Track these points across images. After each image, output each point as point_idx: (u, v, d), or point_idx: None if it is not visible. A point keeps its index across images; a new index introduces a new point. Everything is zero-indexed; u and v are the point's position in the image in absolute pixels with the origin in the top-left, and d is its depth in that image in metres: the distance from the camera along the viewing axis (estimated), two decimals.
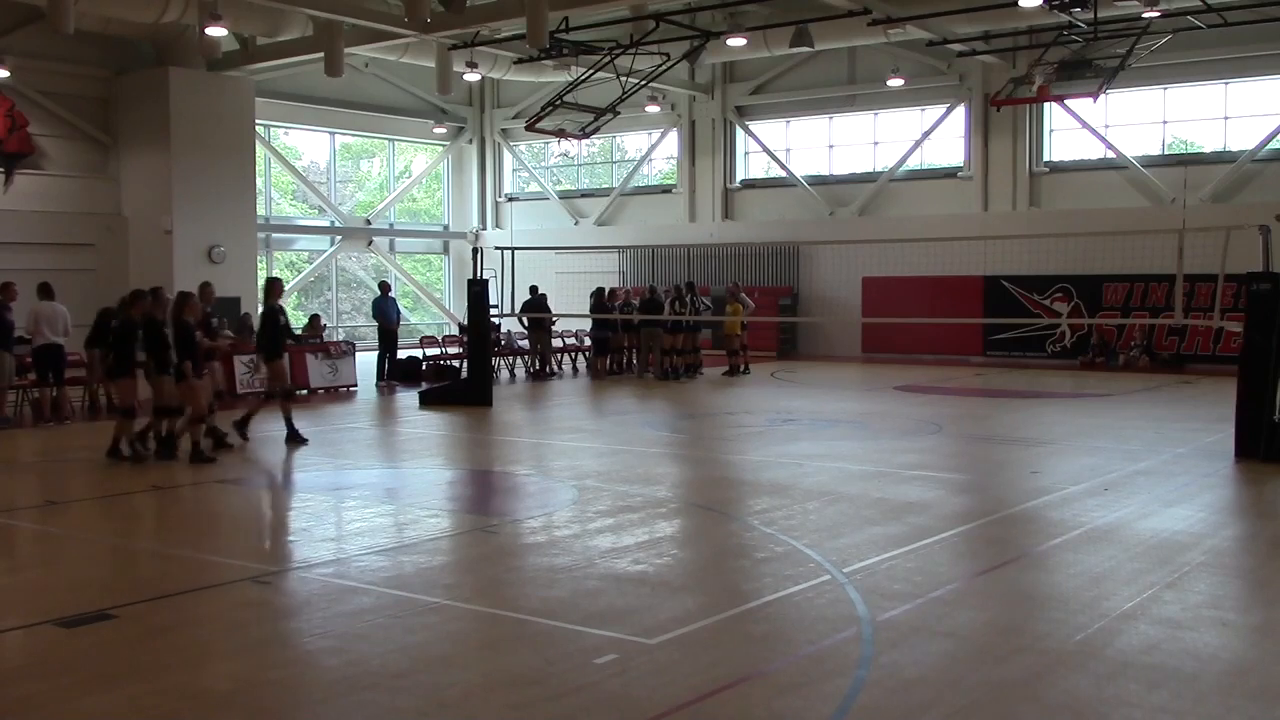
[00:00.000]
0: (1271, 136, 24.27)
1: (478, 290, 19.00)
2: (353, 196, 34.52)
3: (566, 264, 28.56)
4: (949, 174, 28.09)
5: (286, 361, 14.59)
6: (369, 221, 33.58)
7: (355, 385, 21.01)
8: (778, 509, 9.92)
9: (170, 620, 6.91)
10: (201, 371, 13.15)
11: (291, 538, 9.66)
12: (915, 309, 25.76)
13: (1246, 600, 7.48)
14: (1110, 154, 26.10)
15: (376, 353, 22.99)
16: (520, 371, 24.42)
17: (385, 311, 23.11)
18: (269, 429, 14.45)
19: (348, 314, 33.96)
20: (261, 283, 15.33)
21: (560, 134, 26.54)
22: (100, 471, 12.57)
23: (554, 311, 24.16)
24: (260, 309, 14.71)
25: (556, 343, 25.31)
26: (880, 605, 6.93)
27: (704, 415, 17.36)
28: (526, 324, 23.77)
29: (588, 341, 25.40)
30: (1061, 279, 25.67)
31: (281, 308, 14.32)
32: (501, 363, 23.68)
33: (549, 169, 35.78)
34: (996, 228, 26.33)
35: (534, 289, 23.91)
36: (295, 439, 13.94)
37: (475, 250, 20.12)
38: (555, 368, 23.99)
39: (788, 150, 30.60)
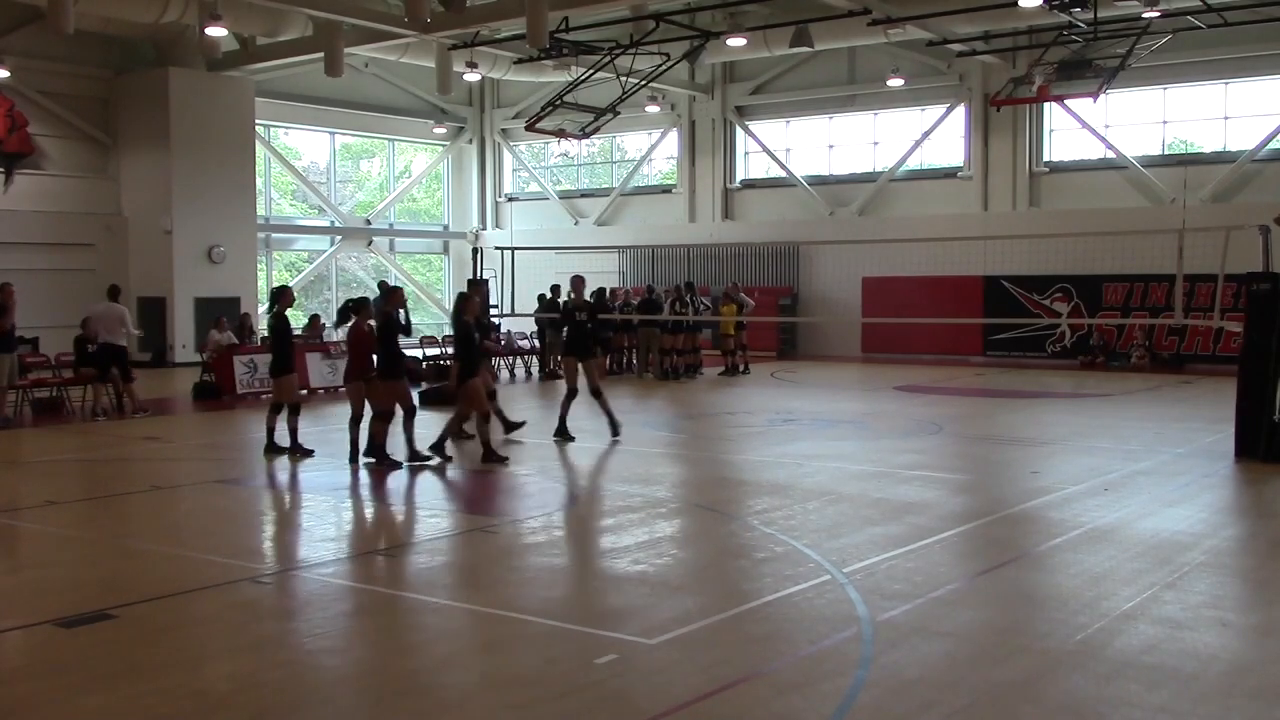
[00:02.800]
0: (1271, 136, 24.27)
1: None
2: (353, 196, 34.52)
3: (566, 264, 28.51)
4: (949, 174, 28.09)
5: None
6: (369, 221, 33.59)
7: None
8: (778, 509, 9.92)
9: (170, 620, 6.90)
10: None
11: (291, 537, 9.66)
12: (915, 309, 25.75)
13: (1246, 600, 7.47)
14: (1110, 154, 26.09)
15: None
16: (520, 371, 24.40)
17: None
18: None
19: None
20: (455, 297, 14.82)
21: (560, 134, 26.54)
22: (100, 471, 12.59)
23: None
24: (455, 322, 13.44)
25: None
26: (880, 605, 6.92)
27: (704, 415, 17.35)
28: (539, 325, 23.75)
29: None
30: (1061, 279, 25.67)
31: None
32: (501, 363, 23.66)
33: (549, 169, 35.78)
34: (996, 228, 26.32)
35: (555, 289, 23.89)
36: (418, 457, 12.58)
37: (475, 250, 20.16)
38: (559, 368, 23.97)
39: (788, 150, 30.60)
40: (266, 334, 15.33)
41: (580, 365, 14.34)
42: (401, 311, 12.46)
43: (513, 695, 5.56)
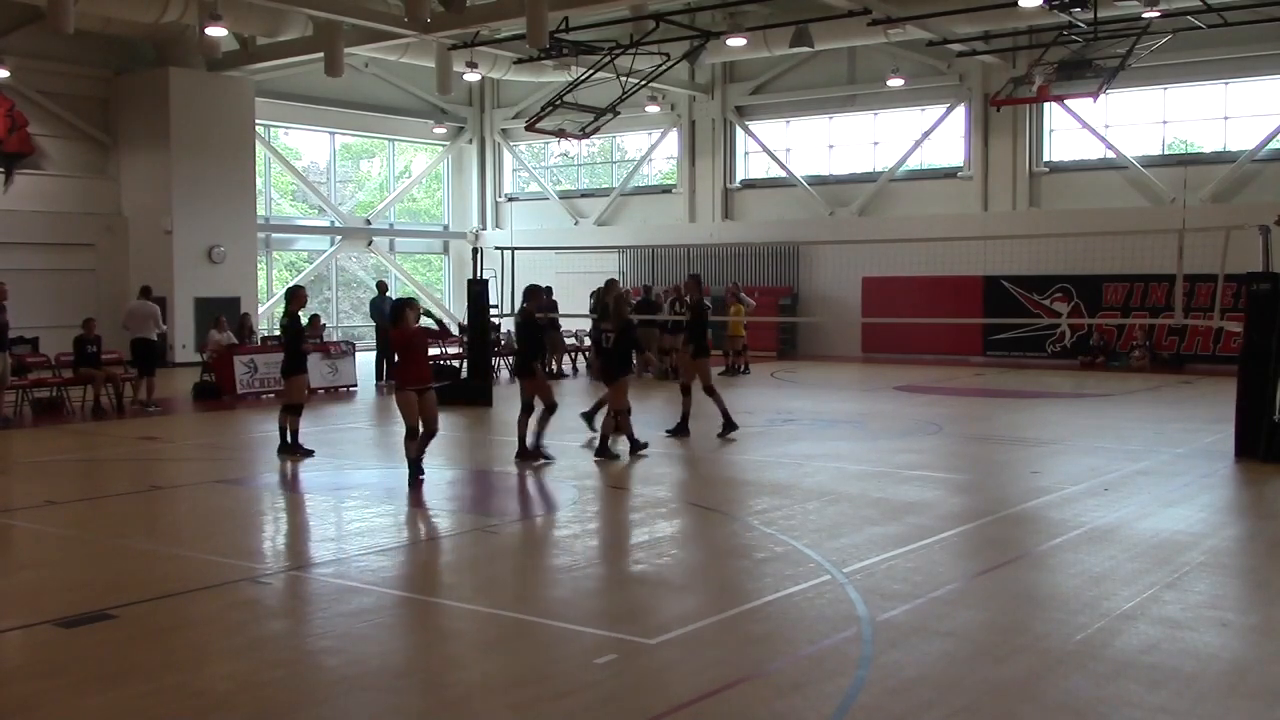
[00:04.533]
0: (1271, 136, 24.27)
1: (478, 290, 19.03)
2: (353, 196, 34.51)
3: (566, 264, 28.55)
4: (949, 174, 28.08)
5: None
6: (369, 221, 33.58)
7: (355, 385, 21.01)
8: (778, 509, 9.92)
9: (170, 620, 6.90)
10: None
11: (291, 538, 9.66)
12: (915, 309, 25.74)
13: (1246, 600, 7.48)
14: (1110, 154, 26.09)
15: (375, 353, 22.98)
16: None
17: (383, 311, 23.09)
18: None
19: (346, 314, 33.97)
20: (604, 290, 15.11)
21: (560, 134, 26.53)
22: (100, 471, 12.59)
23: (559, 313, 24.17)
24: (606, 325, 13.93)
25: None
26: (880, 605, 6.93)
27: (704, 415, 17.32)
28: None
29: (587, 341, 25.38)
30: (1061, 279, 25.66)
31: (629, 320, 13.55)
32: (501, 362, 23.66)
33: (549, 169, 35.77)
34: (996, 228, 26.32)
35: (548, 290, 23.86)
36: (637, 448, 12.99)
37: (475, 250, 20.15)
38: (557, 368, 23.98)
39: (788, 150, 30.59)
40: (279, 333, 15.49)
41: (697, 364, 14.68)
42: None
43: (513, 695, 5.56)
